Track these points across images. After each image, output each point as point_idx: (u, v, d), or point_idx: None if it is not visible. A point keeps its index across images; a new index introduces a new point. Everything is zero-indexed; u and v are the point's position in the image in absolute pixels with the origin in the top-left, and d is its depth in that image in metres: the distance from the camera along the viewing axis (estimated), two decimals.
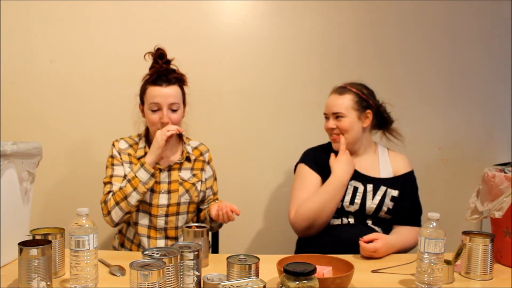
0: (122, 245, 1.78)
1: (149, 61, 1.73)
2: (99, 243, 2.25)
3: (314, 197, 1.69)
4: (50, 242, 1.16)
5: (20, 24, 2.23)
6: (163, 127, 1.64)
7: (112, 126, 2.24)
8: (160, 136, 1.61)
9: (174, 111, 1.68)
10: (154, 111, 1.66)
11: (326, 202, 1.66)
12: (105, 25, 2.26)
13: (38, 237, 1.27)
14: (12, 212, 1.36)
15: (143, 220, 1.70)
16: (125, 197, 1.59)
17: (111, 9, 2.25)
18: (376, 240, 1.51)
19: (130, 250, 1.74)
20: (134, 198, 1.60)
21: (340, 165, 1.71)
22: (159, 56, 1.70)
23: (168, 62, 1.72)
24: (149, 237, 1.70)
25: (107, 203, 1.62)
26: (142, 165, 1.61)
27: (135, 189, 1.59)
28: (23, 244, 1.12)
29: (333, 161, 1.75)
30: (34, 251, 1.11)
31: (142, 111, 1.75)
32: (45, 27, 2.24)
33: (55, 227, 1.33)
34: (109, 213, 1.62)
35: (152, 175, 1.61)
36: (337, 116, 1.75)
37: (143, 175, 1.60)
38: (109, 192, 1.65)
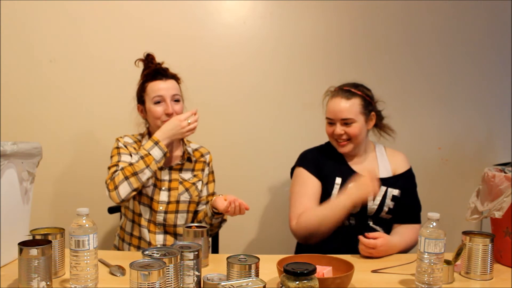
0: (123, 240, 1.78)
1: (141, 67, 1.76)
2: (99, 242, 2.25)
3: (316, 210, 1.66)
4: (50, 242, 1.16)
5: (20, 24, 2.23)
6: (168, 118, 1.67)
7: (112, 126, 2.24)
8: (186, 129, 1.64)
9: (177, 102, 1.71)
10: (157, 103, 1.69)
11: (326, 217, 1.62)
12: (105, 25, 2.26)
13: (38, 237, 1.27)
14: (12, 212, 1.36)
15: (145, 214, 1.72)
16: (136, 173, 1.58)
17: (110, 9, 2.25)
18: (377, 238, 1.50)
19: (130, 244, 1.74)
20: (145, 175, 1.60)
21: (357, 192, 1.59)
22: (150, 60, 1.75)
23: (159, 65, 1.76)
24: (149, 230, 1.72)
25: (114, 178, 1.59)
26: (156, 143, 1.62)
27: (147, 166, 1.59)
28: (23, 244, 1.12)
29: (356, 184, 1.61)
30: (34, 251, 1.11)
31: (142, 111, 1.76)
32: (45, 27, 2.24)
33: (55, 227, 1.33)
34: (116, 188, 1.58)
35: (165, 155, 1.63)
36: (346, 122, 1.71)
37: (157, 153, 1.61)
38: (115, 171, 1.62)
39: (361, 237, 1.52)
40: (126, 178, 1.58)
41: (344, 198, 1.62)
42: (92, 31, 2.26)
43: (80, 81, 2.27)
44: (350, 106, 1.70)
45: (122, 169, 1.59)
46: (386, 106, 1.85)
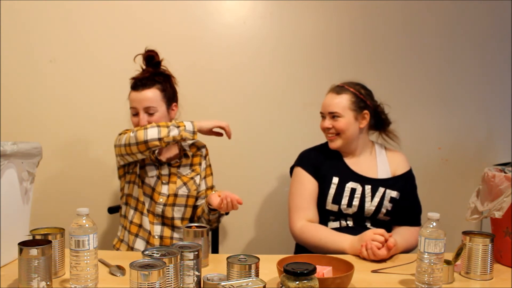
0: (125, 228, 1.79)
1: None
2: (99, 242, 2.25)
3: (318, 231, 1.65)
4: (50, 242, 1.16)
5: (20, 24, 2.23)
6: None
7: (112, 126, 2.23)
8: (224, 123, 1.71)
9: (150, 114, 1.72)
10: (134, 115, 1.74)
11: (324, 244, 1.60)
12: (105, 25, 2.26)
13: (38, 237, 1.27)
14: (12, 212, 1.36)
15: (146, 203, 1.75)
16: (168, 126, 1.62)
17: (110, 9, 2.25)
18: (388, 235, 1.47)
19: (129, 231, 1.75)
20: (173, 133, 1.62)
21: (357, 245, 1.51)
22: (147, 58, 1.77)
23: (157, 64, 1.77)
24: (148, 221, 1.75)
25: (145, 126, 1.64)
26: (191, 122, 1.66)
27: (178, 127, 1.63)
28: (23, 244, 1.12)
29: (360, 239, 1.51)
30: (34, 251, 1.11)
31: None
32: (45, 27, 2.24)
33: (55, 227, 1.33)
34: (145, 128, 1.62)
35: (194, 133, 1.65)
36: (334, 115, 1.74)
37: (188, 125, 1.64)
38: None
39: (377, 238, 1.45)
40: (158, 126, 1.62)
41: (346, 242, 1.55)
42: (92, 31, 2.26)
43: (80, 81, 2.27)
44: (338, 101, 1.73)
45: (143, 129, 1.62)
46: (386, 106, 1.85)
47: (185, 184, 1.77)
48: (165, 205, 1.75)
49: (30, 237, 1.27)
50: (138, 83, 1.73)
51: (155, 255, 1.09)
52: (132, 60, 1.77)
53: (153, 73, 1.76)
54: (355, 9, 2.35)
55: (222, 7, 2.30)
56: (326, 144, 1.84)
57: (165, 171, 1.77)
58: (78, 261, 1.16)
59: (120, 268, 1.32)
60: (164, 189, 1.75)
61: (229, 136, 1.75)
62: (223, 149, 2.23)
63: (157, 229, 1.74)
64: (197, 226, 1.41)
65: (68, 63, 2.26)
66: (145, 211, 1.74)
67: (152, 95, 1.72)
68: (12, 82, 2.24)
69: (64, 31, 2.25)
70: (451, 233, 1.38)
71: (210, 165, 1.88)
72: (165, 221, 1.76)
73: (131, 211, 1.77)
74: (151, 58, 1.76)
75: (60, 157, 2.28)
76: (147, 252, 1.10)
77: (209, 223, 1.76)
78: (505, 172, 1.46)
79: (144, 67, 1.79)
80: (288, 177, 1.90)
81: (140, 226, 1.75)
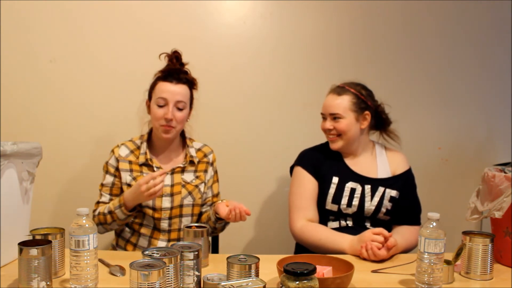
0: (117, 244, 1.78)
1: (162, 61, 1.76)
2: (99, 243, 2.25)
3: (318, 232, 1.65)
4: (50, 242, 1.16)
5: (20, 24, 2.22)
6: (166, 123, 1.66)
7: (112, 126, 2.24)
8: (145, 194, 1.52)
9: (179, 109, 1.69)
10: (160, 106, 1.68)
11: (323, 245, 1.61)
12: (105, 25, 2.26)
13: (38, 237, 1.27)
14: (12, 212, 1.36)
15: (147, 223, 1.71)
16: (106, 223, 1.66)
17: (111, 9, 2.25)
18: (388, 235, 1.47)
19: (125, 249, 1.73)
20: (113, 227, 1.69)
21: (356, 245, 1.52)
22: (175, 58, 1.74)
23: (182, 65, 1.76)
24: (151, 237, 1.71)
25: (94, 218, 1.69)
26: (120, 206, 1.61)
27: (114, 220, 1.64)
28: (23, 244, 1.12)
29: (359, 239, 1.52)
30: (34, 251, 1.11)
31: (149, 107, 1.75)
32: (45, 27, 2.24)
33: (55, 227, 1.33)
34: (96, 225, 1.67)
35: (128, 217, 1.64)
36: (335, 117, 1.74)
37: (121, 214, 1.62)
38: (98, 202, 1.73)
39: (377, 238, 1.46)
40: (100, 224, 1.68)
41: (345, 242, 1.56)
42: (92, 31, 2.25)
43: (80, 81, 2.27)
44: (339, 102, 1.73)
45: (99, 214, 1.67)
46: (387, 106, 1.85)
47: (190, 193, 1.72)
48: (170, 218, 1.70)
49: (30, 237, 1.27)
50: (174, 75, 1.69)
51: (155, 255, 1.09)
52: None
53: (183, 71, 1.74)
54: (355, 9, 2.35)
55: (222, 7, 2.30)
56: (326, 144, 1.84)
57: (167, 181, 1.71)
58: (78, 261, 1.16)
59: (120, 268, 1.33)
60: (166, 202, 1.69)
61: (163, 178, 1.57)
62: (223, 149, 2.23)
63: (161, 245, 1.69)
64: (197, 226, 1.41)
65: (68, 63, 2.26)
66: (142, 231, 1.70)
67: (185, 91, 1.70)
68: (12, 82, 2.24)
69: (64, 31, 2.24)
70: (451, 233, 1.38)
71: (216, 172, 1.85)
72: (172, 235, 1.72)
73: (126, 229, 1.74)
74: (177, 59, 1.75)
75: (60, 157, 2.27)
76: (147, 252, 1.10)
77: (214, 231, 1.75)
78: (505, 172, 1.46)
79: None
80: (288, 177, 1.90)
81: (135, 245, 1.71)
